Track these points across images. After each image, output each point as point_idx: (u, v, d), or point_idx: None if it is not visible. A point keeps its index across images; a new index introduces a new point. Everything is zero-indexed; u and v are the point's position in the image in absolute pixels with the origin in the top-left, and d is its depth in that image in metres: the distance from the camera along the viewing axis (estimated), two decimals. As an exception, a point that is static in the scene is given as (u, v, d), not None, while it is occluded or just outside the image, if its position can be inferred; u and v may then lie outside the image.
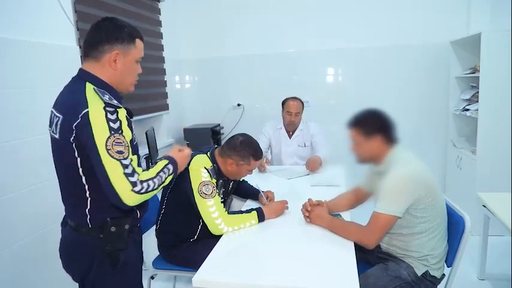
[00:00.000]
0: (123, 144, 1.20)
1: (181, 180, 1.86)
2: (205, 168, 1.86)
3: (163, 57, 3.85)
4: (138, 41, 1.35)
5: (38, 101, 2.15)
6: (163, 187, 1.35)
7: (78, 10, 2.50)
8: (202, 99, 4.49)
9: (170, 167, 1.36)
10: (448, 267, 1.68)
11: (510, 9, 3.02)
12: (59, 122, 1.25)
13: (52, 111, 1.33)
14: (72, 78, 1.36)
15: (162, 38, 3.81)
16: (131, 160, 1.22)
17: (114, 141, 1.18)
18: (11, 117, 1.98)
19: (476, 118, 3.13)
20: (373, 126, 1.67)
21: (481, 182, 3.11)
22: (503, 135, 3.05)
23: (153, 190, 1.26)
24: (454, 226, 1.67)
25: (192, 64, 4.44)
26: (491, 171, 3.10)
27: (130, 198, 1.20)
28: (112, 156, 1.17)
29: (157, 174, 1.30)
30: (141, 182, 1.22)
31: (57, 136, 1.27)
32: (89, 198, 1.29)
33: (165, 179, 1.33)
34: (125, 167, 1.19)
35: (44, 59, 2.20)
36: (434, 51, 3.81)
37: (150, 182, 1.25)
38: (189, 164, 1.85)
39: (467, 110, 3.37)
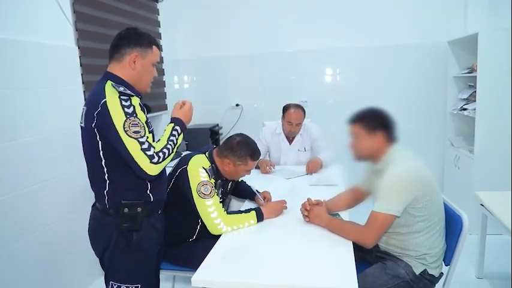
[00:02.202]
0: (139, 125, 1.39)
1: (179, 180, 1.86)
2: (204, 168, 1.87)
3: (162, 57, 3.84)
4: (154, 47, 1.56)
5: (37, 100, 2.16)
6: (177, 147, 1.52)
7: (76, 10, 2.49)
8: (200, 100, 4.47)
9: (177, 128, 1.55)
10: (446, 265, 1.68)
11: (510, 9, 3.02)
12: (84, 113, 1.47)
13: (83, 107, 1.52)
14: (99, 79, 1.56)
15: (160, 38, 3.81)
16: (147, 137, 1.41)
17: (130, 123, 1.37)
18: (10, 117, 1.98)
19: (474, 117, 3.15)
20: (376, 122, 1.68)
21: (479, 181, 3.13)
22: (501, 134, 3.06)
23: (170, 154, 1.46)
24: (452, 225, 1.68)
25: (190, 64, 4.44)
26: (489, 170, 3.12)
27: (151, 169, 1.39)
28: (130, 136, 1.36)
29: (168, 140, 1.48)
30: (157, 153, 1.41)
31: (83, 125, 1.48)
32: (107, 181, 1.47)
33: (177, 140, 1.52)
34: (142, 143, 1.38)
35: (43, 59, 2.21)
36: (432, 51, 3.83)
37: (165, 150, 1.44)
38: (187, 164, 1.86)
39: (465, 109, 3.38)
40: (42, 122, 2.19)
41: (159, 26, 3.82)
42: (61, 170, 2.34)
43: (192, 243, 1.99)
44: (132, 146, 1.36)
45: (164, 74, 3.91)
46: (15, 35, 2.02)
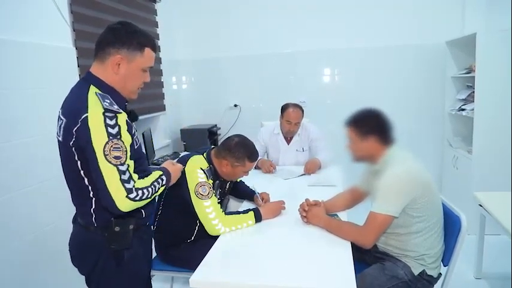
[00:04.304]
0: (121, 149, 1.22)
1: (178, 181, 1.85)
2: (202, 169, 1.86)
3: (160, 58, 3.85)
4: (147, 50, 1.35)
5: (35, 101, 2.14)
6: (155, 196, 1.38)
7: (74, 11, 2.48)
8: (199, 100, 4.49)
9: (164, 177, 1.42)
10: (445, 266, 1.69)
11: (509, 9, 3.02)
12: (62, 125, 1.28)
13: (59, 115, 1.34)
14: (79, 80, 1.39)
15: (158, 39, 3.80)
16: (128, 166, 1.24)
17: (112, 146, 1.19)
18: (9, 117, 1.97)
19: (472, 118, 3.15)
20: (368, 126, 1.67)
21: (477, 181, 3.13)
22: (499, 134, 3.07)
23: (146, 199, 1.29)
24: (451, 225, 1.68)
25: (188, 65, 4.44)
26: (487, 170, 3.12)
27: (124, 204, 1.22)
28: (109, 162, 1.19)
29: (152, 183, 1.33)
30: (137, 189, 1.25)
31: (60, 139, 1.30)
32: (93, 199, 1.31)
33: (158, 189, 1.37)
34: (122, 173, 1.21)
35: (41, 60, 2.19)
36: (430, 51, 3.84)
37: (145, 191, 1.28)
38: (185, 165, 1.85)
39: (463, 109, 3.38)
40: (40, 122, 2.18)
41: (157, 27, 3.81)
42: (59, 170, 2.32)
43: (190, 244, 1.99)
44: (110, 174, 1.19)
45: (162, 75, 3.91)
46: (13, 36, 2.01)
